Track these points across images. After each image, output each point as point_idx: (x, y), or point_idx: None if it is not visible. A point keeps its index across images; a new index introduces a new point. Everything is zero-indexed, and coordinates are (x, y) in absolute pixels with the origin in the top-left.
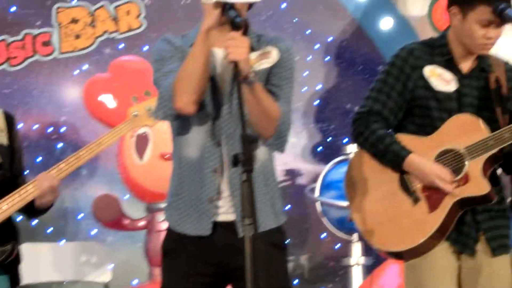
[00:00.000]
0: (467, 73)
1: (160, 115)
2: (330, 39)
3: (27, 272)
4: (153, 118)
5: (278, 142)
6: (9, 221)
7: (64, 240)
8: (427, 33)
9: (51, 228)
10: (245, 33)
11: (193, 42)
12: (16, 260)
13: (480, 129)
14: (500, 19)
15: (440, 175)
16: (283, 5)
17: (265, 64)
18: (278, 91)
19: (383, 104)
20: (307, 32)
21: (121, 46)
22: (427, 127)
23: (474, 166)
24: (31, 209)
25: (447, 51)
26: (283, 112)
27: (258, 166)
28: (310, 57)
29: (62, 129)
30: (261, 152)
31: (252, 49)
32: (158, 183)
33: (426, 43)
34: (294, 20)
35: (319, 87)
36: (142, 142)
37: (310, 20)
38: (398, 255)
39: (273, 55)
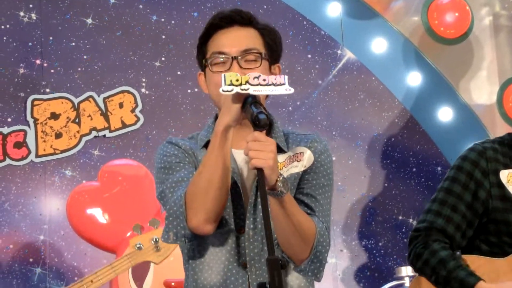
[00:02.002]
0: None
1: (170, 237)
2: (375, 133)
3: None
4: (160, 251)
5: (314, 268)
6: None
7: None
8: (498, 125)
9: None
10: (269, 131)
11: (206, 143)
12: None
13: None
14: None
15: None
16: (315, 94)
17: (296, 169)
18: (313, 203)
19: (447, 219)
20: (345, 125)
21: (113, 146)
22: (505, 247)
23: None
24: None
25: None
26: (320, 229)
27: None
28: (350, 157)
29: (41, 251)
30: (294, 279)
31: (280, 151)
32: None
33: (502, 142)
34: (329, 112)
35: (362, 194)
36: (140, 268)
37: (349, 111)
38: None
39: (306, 157)
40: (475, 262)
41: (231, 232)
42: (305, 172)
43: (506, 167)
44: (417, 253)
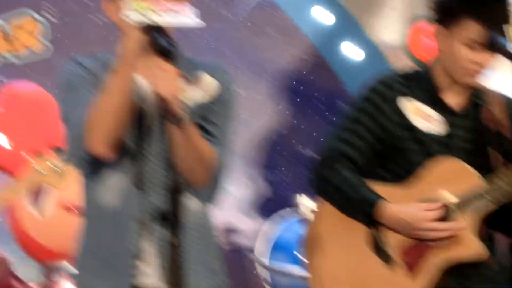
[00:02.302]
0: (458, 111)
1: (73, 161)
2: (282, 69)
3: None
4: (62, 174)
5: (211, 193)
6: None
7: None
8: (403, 63)
9: None
10: (174, 60)
11: (106, 63)
12: None
13: (472, 178)
14: (491, 48)
15: (424, 215)
16: (224, 27)
17: (200, 97)
18: (215, 131)
19: (354, 147)
20: (255, 61)
21: (16, 72)
22: (405, 174)
23: (463, 222)
24: None
25: (432, 85)
26: (220, 158)
27: (190, 220)
28: (257, 91)
29: None
30: (194, 204)
31: (184, 79)
32: (59, 240)
33: (406, 75)
34: (238, 46)
35: (267, 128)
36: (41, 192)
37: (258, 46)
38: None
39: (210, 87)
40: (375, 187)
41: (131, 156)
42: (209, 101)
43: (409, 98)
44: (322, 175)
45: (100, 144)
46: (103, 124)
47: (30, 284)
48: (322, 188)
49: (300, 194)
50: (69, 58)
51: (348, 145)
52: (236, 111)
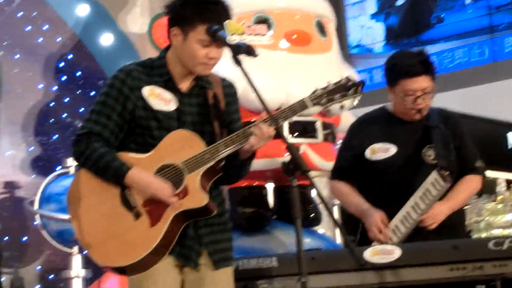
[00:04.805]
0: (187, 92)
1: None
2: (50, 53)
3: None
4: None
5: None
6: None
7: None
8: (147, 50)
9: None
10: None
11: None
12: None
13: (197, 144)
14: (214, 40)
15: (159, 186)
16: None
17: None
18: None
19: (103, 125)
20: (29, 45)
21: None
22: (148, 146)
23: (192, 180)
24: None
25: (166, 72)
26: None
27: None
28: (29, 69)
29: None
30: None
31: None
32: None
33: (144, 64)
34: (12, 31)
35: (39, 100)
36: None
37: (29, 32)
38: (122, 271)
39: None
40: (125, 157)
41: None
42: None
43: (148, 83)
44: (81, 151)
45: None
46: None
47: None
48: (81, 162)
49: (69, 156)
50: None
51: (97, 124)
52: (2, 86)
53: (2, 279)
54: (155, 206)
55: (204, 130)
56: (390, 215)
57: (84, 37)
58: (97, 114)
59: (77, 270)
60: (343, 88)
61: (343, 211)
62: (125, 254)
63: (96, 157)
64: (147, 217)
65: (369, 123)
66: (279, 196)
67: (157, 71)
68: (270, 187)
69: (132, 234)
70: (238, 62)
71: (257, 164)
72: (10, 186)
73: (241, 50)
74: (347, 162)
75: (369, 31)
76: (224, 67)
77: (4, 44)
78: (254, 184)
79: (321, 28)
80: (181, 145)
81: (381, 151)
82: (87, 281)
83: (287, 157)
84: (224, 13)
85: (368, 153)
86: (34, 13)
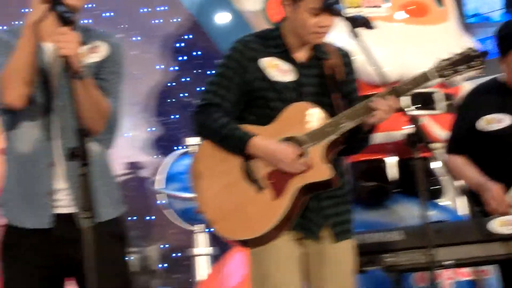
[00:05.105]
0: (304, 63)
1: None
2: (168, 33)
3: None
4: None
5: (106, 138)
6: None
7: None
8: (262, 27)
9: None
10: (73, 26)
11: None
12: None
13: (318, 116)
14: (330, 13)
15: (284, 151)
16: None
17: (94, 58)
18: (108, 86)
19: (222, 97)
20: (145, 27)
21: None
22: (267, 118)
23: (315, 153)
24: None
25: (281, 43)
26: (112, 107)
27: (93, 159)
28: (147, 52)
29: None
30: (95, 147)
31: (82, 43)
32: None
33: (260, 35)
34: (130, 15)
35: (157, 81)
36: None
37: (147, 15)
38: (244, 243)
39: (102, 49)
40: (246, 128)
41: (40, 109)
42: (101, 61)
43: (265, 54)
44: (201, 122)
45: (14, 95)
46: (15, 78)
47: None
48: (202, 133)
49: (189, 136)
50: None
51: (216, 96)
52: (123, 68)
53: (130, 258)
54: (279, 179)
55: (323, 101)
56: (507, 187)
57: (200, 17)
58: (216, 86)
59: (202, 247)
60: (467, 59)
61: None
62: (249, 227)
63: (217, 127)
64: (271, 190)
65: (482, 94)
66: (400, 169)
67: (272, 42)
68: (389, 160)
69: (255, 207)
70: (355, 35)
71: (377, 137)
72: (134, 166)
73: (358, 23)
74: (462, 135)
75: (486, 0)
76: (340, 39)
77: (122, 27)
78: (374, 158)
79: None
80: (302, 117)
81: (494, 122)
82: (213, 259)
83: (407, 129)
84: None
85: (481, 125)
86: None
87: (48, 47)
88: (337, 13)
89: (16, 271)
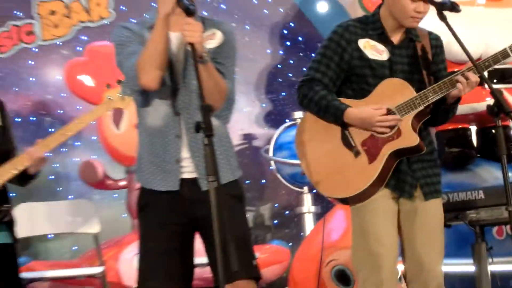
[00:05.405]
0: (398, 44)
1: (127, 91)
2: (274, 22)
3: (25, 227)
4: (125, 99)
5: (224, 114)
6: (3, 187)
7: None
8: (358, 14)
9: (46, 190)
10: (195, 17)
11: (150, 25)
12: (12, 218)
13: (407, 91)
14: None
15: (374, 113)
16: None
17: (212, 44)
18: (223, 69)
19: (323, 73)
20: (255, 17)
21: (94, 33)
22: (364, 92)
23: (405, 122)
24: (22, 177)
25: (380, 26)
26: (229, 87)
27: (214, 133)
28: (258, 38)
29: (49, 106)
30: (215, 122)
31: (203, 31)
32: (134, 149)
33: (360, 20)
34: (242, 6)
35: (267, 63)
36: (118, 115)
37: (257, 6)
38: (344, 201)
39: (218, 36)
40: (344, 101)
41: (168, 89)
42: (218, 46)
43: (363, 37)
44: (304, 94)
45: (149, 78)
46: (150, 63)
47: (118, 180)
48: (305, 104)
49: (295, 110)
50: (119, 25)
51: (318, 72)
52: (236, 52)
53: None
54: (372, 145)
55: (413, 78)
56: None
57: (303, 7)
58: (318, 63)
59: (308, 206)
60: None
61: None
62: (348, 187)
63: (317, 98)
64: (365, 155)
65: None
66: (482, 137)
67: (371, 26)
68: (473, 129)
69: (353, 169)
70: (443, 18)
71: (460, 109)
72: (248, 137)
73: (446, 7)
74: None
75: None
76: (429, 22)
77: (235, 17)
78: (459, 127)
79: None
80: (394, 92)
81: None
82: (317, 216)
83: (488, 101)
84: None
85: None
86: None
87: (174, 36)
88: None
89: (150, 227)
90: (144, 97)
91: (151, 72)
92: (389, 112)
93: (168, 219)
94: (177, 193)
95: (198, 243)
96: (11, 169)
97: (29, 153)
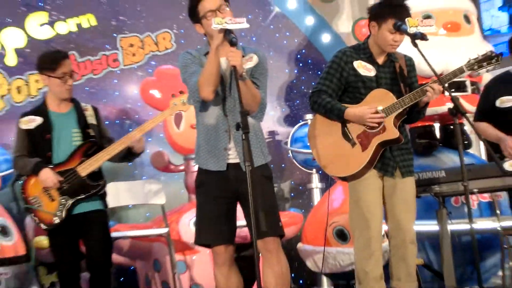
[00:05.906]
0: (382, 64)
1: (191, 102)
2: (296, 51)
3: (113, 200)
4: (186, 104)
5: (259, 116)
6: (99, 168)
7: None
8: (351, 43)
9: (126, 173)
10: (237, 46)
11: (205, 52)
12: (105, 192)
13: (390, 98)
14: (399, 31)
15: (368, 109)
16: (260, 31)
17: (250, 64)
18: (258, 83)
19: (327, 86)
20: (276, 46)
21: (161, 60)
22: (357, 99)
23: (388, 120)
24: (130, 154)
25: (368, 51)
26: (262, 97)
27: (251, 128)
28: (278, 60)
29: (128, 112)
30: (251, 120)
31: (243, 56)
32: (189, 142)
33: (354, 47)
34: (267, 38)
35: (286, 79)
36: (178, 118)
37: (277, 38)
38: (344, 179)
39: (254, 59)
40: (343, 105)
41: (220, 97)
42: (254, 66)
43: (356, 59)
44: (314, 101)
45: (207, 92)
46: (208, 81)
47: (178, 165)
48: (314, 107)
49: (307, 113)
50: (184, 51)
51: (323, 85)
52: (267, 71)
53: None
54: (365, 138)
55: (394, 89)
56: None
57: (311, 38)
58: (323, 79)
59: (316, 183)
60: (489, 58)
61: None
62: (347, 168)
63: (324, 103)
64: (359, 145)
65: (498, 82)
66: (444, 131)
67: (362, 51)
68: (437, 126)
69: (350, 156)
70: (415, 45)
71: (428, 111)
72: (272, 133)
73: (417, 36)
74: (485, 109)
75: (497, 19)
76: (405, 48)
77: (263, 46)
78: (426, 124)
79: (467, 19)
80: (380, 99)
81: (507, 101)
82: (322, 190)
83: (448, 105)
84: (405, 12)
85: (498, 103)
86: (280, 25)
87: (223, 60)
88: (404, 31)
89: (205, 199)
90: (202, 104)
91: (209, 88)
92: (377, 112)
93: (218, 193)
94: (224, 173)
95: (239, 211)
96: (105, 155)
97: (127, 137)
